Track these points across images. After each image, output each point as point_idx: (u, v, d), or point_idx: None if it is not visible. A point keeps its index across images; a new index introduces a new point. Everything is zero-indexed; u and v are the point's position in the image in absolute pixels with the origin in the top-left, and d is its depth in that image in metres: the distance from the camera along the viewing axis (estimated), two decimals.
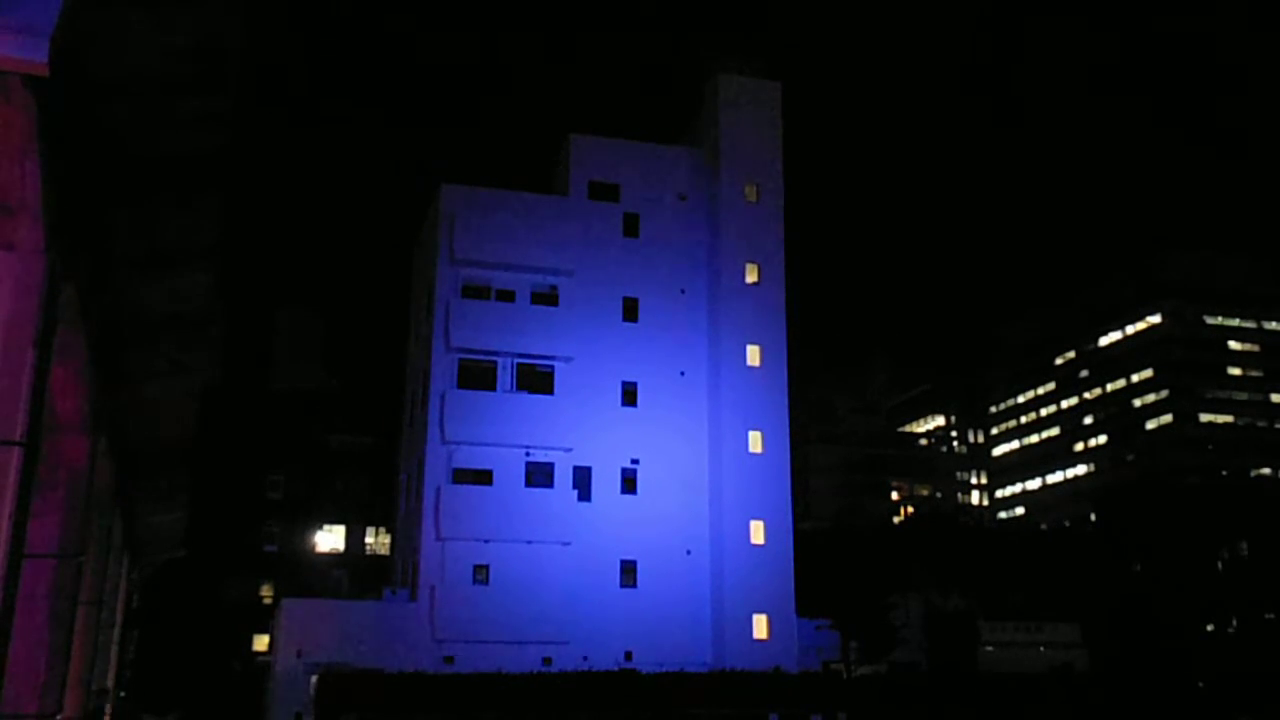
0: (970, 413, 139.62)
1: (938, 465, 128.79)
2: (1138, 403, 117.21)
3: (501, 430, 44.13)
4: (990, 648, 49.69)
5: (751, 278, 47.46)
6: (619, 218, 48.02)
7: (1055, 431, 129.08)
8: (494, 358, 45.12)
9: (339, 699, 37.02)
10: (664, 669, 40.95)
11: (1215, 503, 68.28)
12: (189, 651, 55.83)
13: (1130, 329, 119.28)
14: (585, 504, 44.77)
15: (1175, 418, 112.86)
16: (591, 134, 49.13)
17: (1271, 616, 61.10)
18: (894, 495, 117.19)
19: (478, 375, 45.02)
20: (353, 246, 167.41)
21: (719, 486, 45.61)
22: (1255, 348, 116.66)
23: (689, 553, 45.42)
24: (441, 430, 43.66)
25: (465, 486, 43.81)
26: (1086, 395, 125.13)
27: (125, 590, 31.16)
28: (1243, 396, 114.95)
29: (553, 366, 45.76)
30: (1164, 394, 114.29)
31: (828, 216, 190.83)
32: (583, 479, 45.10)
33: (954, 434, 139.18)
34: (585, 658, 41.54)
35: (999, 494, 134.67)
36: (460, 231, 45.36)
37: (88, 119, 9.15)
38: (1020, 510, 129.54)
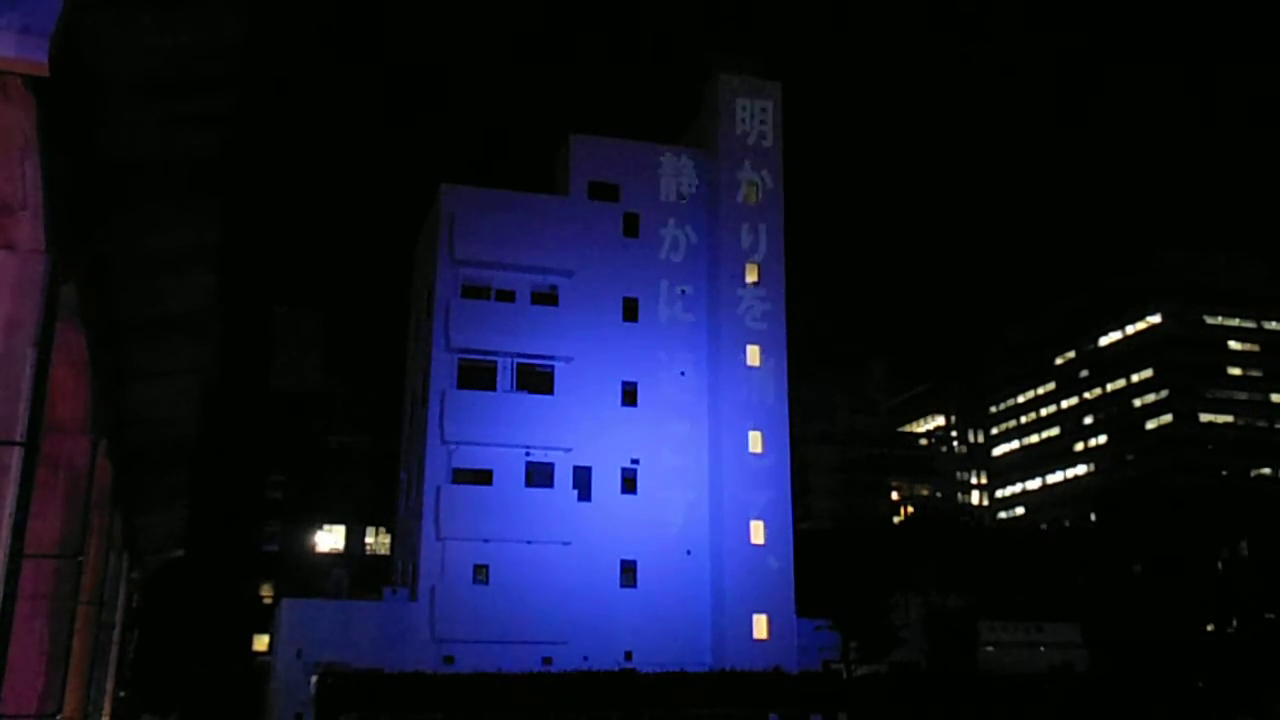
0: (970, 413, 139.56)
1: (938, 465, 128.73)
2: (1138, 403, 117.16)
3: (501, 430, 44.16)
4: (990, 648, 49.63)
5: (751, 277, 47.47)
6: (619, 218, 48.02)
7: (1055, 431, 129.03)
8: (494, 358, 45.15)
9: (339, 699, 37.02)
10: (664, 669, 40.93)
11: (1215, 503, 68.21)
12: (189, 651, 55.84)
13: (1130, 329, 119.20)
14: (585, 504, 44.80)
15: (1175, 418, 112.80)
16: (591, 134, 49.15)
17: (1271, 616, 61.03)
18: (894, 495, 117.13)
19: (478, 375, 45.04)
20: (353, 246, 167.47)
21: (719, 486, 45.62)
22: (1255, 348, 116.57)
23: (689, 553, 45.44)
24: (441, 430, 43.68)
25: (465, 486, 43.84)
26: (1086, 395, 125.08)
27: (125, 590, 31.14)
28: (1243, 396, 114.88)
29: (553, 366, 45.78)
30: (1164, 394, 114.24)
31: (828, 216, 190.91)
32: (583, 479, 45.13)
33: (954, 434, 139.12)
34: (585, 658, 41.56)
35: (999, 494, 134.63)
36: (460, 231, 45.37)
37: (88, 119, 9.14)
38: (1020, 510, 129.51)
